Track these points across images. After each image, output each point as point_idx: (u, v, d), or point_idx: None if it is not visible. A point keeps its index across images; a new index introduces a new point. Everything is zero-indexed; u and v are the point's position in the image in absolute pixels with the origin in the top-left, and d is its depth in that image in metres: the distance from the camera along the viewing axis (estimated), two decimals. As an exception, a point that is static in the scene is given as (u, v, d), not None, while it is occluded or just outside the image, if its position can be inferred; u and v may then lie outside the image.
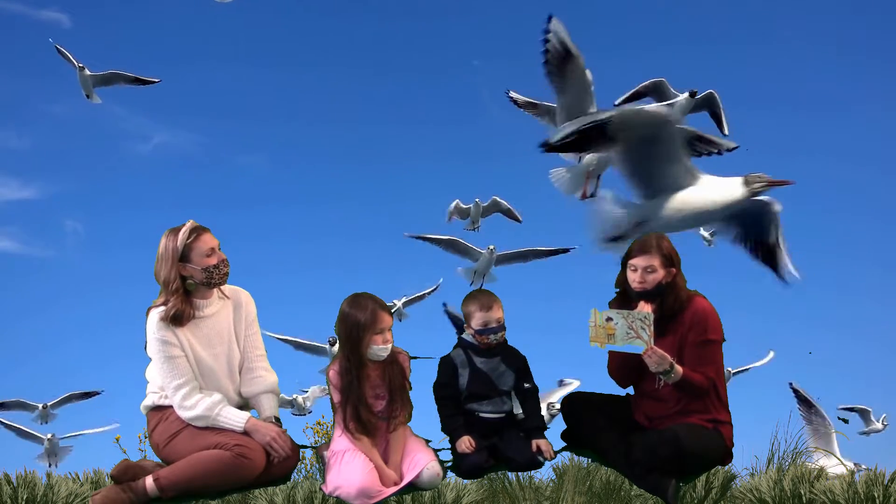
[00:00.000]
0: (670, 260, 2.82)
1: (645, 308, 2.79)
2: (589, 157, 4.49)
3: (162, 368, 2.75)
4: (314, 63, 10.94)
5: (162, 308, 2.77)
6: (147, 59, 10.59)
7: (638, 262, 2.83)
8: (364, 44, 11.04)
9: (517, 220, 8.18)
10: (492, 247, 7.44)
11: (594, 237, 3.77)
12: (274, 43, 10.56)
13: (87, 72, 7.49)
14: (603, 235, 3.74)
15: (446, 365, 3.05)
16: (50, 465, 7.91)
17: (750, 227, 3.76)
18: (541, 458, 2.93)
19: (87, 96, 7.64)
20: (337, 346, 7.42)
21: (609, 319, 2.74)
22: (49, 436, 8.01)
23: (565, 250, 7.44)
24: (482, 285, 7.48)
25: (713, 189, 3.55)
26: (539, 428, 3.00)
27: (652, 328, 2.70)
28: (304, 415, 8.50)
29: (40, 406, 8.29)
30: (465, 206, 8.00)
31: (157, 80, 7.78)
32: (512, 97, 5.79)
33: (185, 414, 2.73)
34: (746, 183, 3.49)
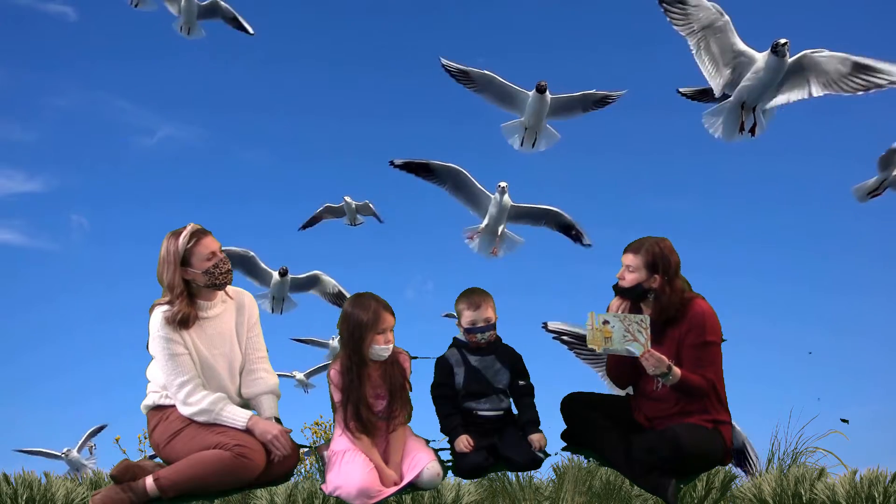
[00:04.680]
0: (654, 266, 2.81)
1: (613, 305, 2.85)
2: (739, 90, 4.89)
3: (166, 366, 2.75)
4: (318, 58, 10.94)
5: (166, 308, 2.76)
6: (151, 53, 10.58)
7: (624, 258, 2.87)
8: (368, 40, 11.04)
9: (379, 220, 8.38)
10: (503, 184, 6.01)
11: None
12: (277, 38, 10.56)
13: None
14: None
15: (442, 365, 3.07)
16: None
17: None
18: (538, 454, 2.93)
19: (187, 30, 7.11)
20: (287, 277, 7.16)
21: (606, 322, 2.74)
22: (64, 450, 8.00)
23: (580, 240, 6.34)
24: (497, 244, 6.25)
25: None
26: (532, 422, 3.01)
27: (649, 331, 2.70)
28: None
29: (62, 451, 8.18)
30: (336, 206, 8.07)
31: (251, 32, 7.47)
32: (444, 65, 5.65)
33: (187, 410, 2.73)
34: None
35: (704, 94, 5.50)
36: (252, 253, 7.10)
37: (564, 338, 4.95)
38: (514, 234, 6.44)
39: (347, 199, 8.10)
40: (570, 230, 6.33)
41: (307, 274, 7.42)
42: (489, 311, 3.01)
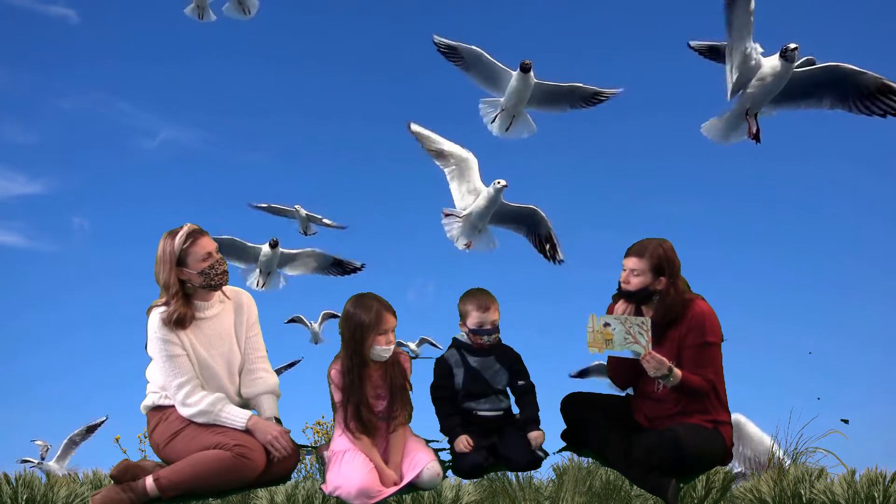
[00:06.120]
0: (660, 268, 2.81)
1: (619, 308, 2.84)
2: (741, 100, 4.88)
3: (164, 367, 2.75)
4: (318, 60, 10.94)
5: (163, 309, 2.76)
6: (153, 55, 10.58)
7: (627, 262, 2.86)
8: (368, 40, 11.04)
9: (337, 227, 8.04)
10: (502, 182, 5.63)
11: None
12: (279, 39, 10.57)
13: None
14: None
15: (441, 365, 3.07)
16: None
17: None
18: (538, 454, 2.93)
19: (199, 15, 6.99)
20: (278, 249, 7.01)
21: (607, 325, 2.74)
22: (39, 463, 8.01)
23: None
24: (480, 240, 5.94)
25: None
26: (532, 420, 3.00)
27: (650, 333, 2.70)
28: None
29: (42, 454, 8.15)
30: (287, 208, 7.86)
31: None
32: (435, 42, 5.71)
33: (186, 411, 2.73)
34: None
35: (714, 52, 5.31)
36: (231, 237, 6.90)
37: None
38: (495, 238, 6.14)
39: (298, 207, 7.94)
40: (546, 241, 5.77)
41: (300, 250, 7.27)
42: (496, 313, 3.01)
